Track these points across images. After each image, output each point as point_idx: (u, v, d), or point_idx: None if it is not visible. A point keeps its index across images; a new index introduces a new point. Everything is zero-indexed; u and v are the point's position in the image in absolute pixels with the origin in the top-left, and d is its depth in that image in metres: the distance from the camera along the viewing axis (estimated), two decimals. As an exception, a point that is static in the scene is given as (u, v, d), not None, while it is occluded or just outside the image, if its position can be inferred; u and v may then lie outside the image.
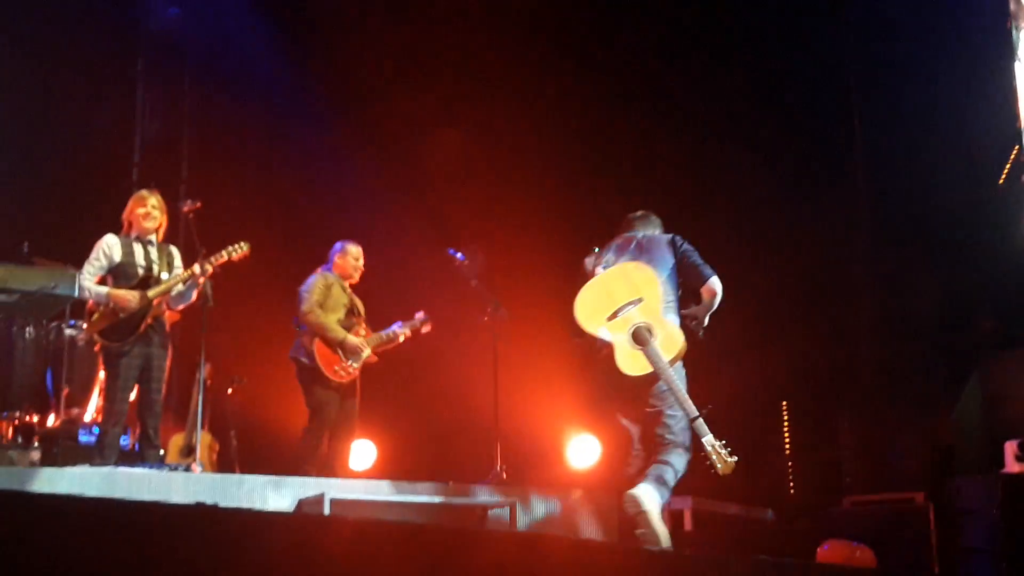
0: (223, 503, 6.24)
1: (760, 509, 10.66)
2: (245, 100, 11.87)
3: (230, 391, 10.59)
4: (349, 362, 8.04)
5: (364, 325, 8.35)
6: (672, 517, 9.40)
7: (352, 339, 8.07)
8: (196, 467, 7.15)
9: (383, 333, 8.39)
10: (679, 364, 5.87)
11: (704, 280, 6.09)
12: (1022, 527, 7.49)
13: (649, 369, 5.64)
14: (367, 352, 8.15)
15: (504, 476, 8.67)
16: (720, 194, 12.57)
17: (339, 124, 11.94)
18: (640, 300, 5.78)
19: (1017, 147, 16.99)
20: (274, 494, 6.76)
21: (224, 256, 7.62)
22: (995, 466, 8.91)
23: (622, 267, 5.98)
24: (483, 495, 7.47)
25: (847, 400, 12.97)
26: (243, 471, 9.12)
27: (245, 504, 6.46)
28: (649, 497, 5.55)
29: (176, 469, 6.94)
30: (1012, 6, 12.35)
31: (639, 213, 6.64)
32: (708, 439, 5.51)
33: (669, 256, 6.15)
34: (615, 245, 6.34)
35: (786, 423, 17.66)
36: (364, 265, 8.48)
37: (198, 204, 7.85)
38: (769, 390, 13.27)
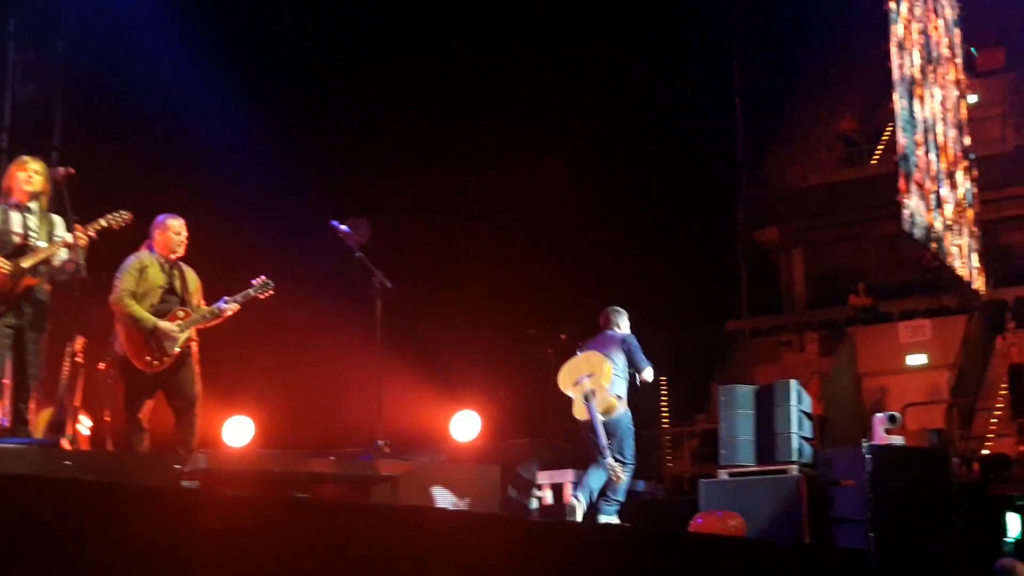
0: (95, 479, 6.07)
1: (642, 482, 10.82)
2: (120, 63, 11.50)
3: (102, 366, 10.26)
4: (164, 347, 7.77)
5: (195, 302, 8.06)
6: (554, 490, 9.50)
7: (162, 326, 7.71)
8: (66, 443, 6.92)
9: (206, 311, 8.10)
10: (626, 414, 8.45)
11: (640, 370, 8.61)
12: (889, 496, 7.77)
13: (587, 417, 8.26)
14: (183, 336, 7.85)
15: (387, 450, 8.62)
16: (584, 184, 12.67)
17: (218, 86, 11.66)
18: (592, 375, 8.40)
19: (890, 126, 17.55)
20: (149, 469, 6.60)
21: (102, 224, 7.33)
22: (865, 438, 9.21)
23: (588, 353, 8.65)
24: (365, 469, 7.42)
25: (719, 374, 13.35)
26: (116, 448, 8.86)
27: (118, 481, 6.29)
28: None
29: (46, 445, 6.71)
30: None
31: (612, 309, 8.96)
32: (610, 462, 8.10)
33: (618, 350, 8.63)
34: (593, 340, 8.85)
35: (664, 397, 18.01)
36: (223, 236, 8.18)
37: (71, 170, 7.54)
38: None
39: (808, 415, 9.18)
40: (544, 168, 12.00)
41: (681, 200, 16.18)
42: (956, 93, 18.82)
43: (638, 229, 13.61)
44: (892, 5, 15.65)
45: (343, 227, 8.97)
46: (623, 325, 8.95)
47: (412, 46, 12.25)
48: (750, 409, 9.16)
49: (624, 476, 8.14)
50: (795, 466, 8.55)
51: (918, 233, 15.88)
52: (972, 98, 20.01)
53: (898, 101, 15.60)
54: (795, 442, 8.69)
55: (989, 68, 23.21)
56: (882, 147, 21.58)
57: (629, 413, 8.53)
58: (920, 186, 16.10)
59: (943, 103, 17.93)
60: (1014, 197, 20.73)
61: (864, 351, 19.44)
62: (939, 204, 17.18)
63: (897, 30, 15.91)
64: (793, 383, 9.13)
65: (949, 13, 18.84)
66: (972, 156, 19.19)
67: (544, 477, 9.63)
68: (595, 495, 8.15)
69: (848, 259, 22.33)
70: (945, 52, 18.42)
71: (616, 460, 8.14)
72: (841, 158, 23.48)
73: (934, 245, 16.65)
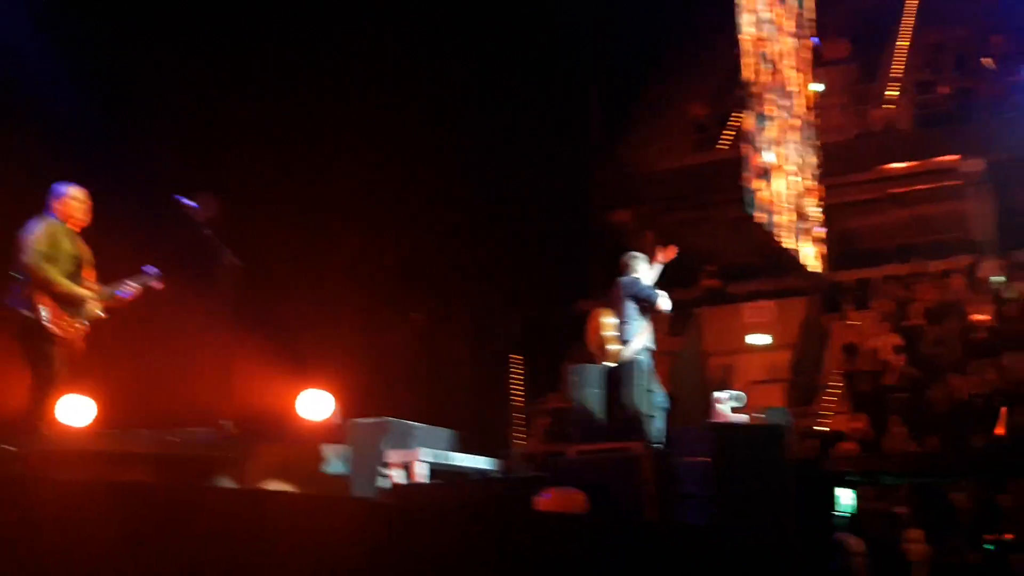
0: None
1: (493, 461, 10.88)
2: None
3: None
4: (79, 318, 7.55)
5: (93, 277, 7.86)
6: (404, 469, 9.47)
7: (80, 293, 7.56)
8: None
9: (112, 289, 7.91)
10: (633, 359, 8.90)
11: (652, 304, 9.02)
12: (730, 473, 8.00)
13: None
14: (99, 308, 7.67)
15: (232, 430, 8.44)
16: (439, 161, 12.68)
17: (57, 56, 11.21)
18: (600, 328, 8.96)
19: (738, 115, 18.01)
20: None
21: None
22: (709, 416, 9.46)
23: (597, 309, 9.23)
24: (209, 449, 7.27)
25: (572, 353, 13.46)
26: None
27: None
28: None
29: None
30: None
31: (628, 255, 9.60)
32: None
33: (623, 295, 9.03)
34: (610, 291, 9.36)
35: (517, 376, 18.17)
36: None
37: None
38: (503, 344, 13.59)
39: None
40: (397, 147, 11.93)
41: (535, 182, 16.30)
42: (800, 81, 19.42)
43: (492, 210, 13.66)
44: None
45: (190, 202, 8.73)
46: (636, 270, 9.19)
47: (258, 19, 11.99)
48: (600, 388, 9.30)
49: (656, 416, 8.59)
50: (642, 444, 8.73)
51: (762, 217, 16.37)
52: (817, 86, 20.69)
53: (744, 90, 16.03)
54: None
55: (833, 57, 24.02)
56: (731, 132, 22.13)
57: (640, 357, 8.87)
58: (764, 171, 16.59)
59: (787, 91, 18.49)
60: (855, 183, 21.54)
61: (710, 331, 19.99)
62: (782, 189, 17.74)
63: (745, 17, 16.32)
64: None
65: (794, 2, 19.41)
66: (816, 143, 19.87)
67: (395, 456, 9.59)
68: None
69: (698, 241, 22.86)
70: (791, 41, 18.99)
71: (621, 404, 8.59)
72: (692, 142, 24.00)
73: (775, 229, 17.19)
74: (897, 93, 23.43)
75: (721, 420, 9.29)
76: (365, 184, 14.13)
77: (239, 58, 11.92)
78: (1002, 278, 17.77)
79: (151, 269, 8.07)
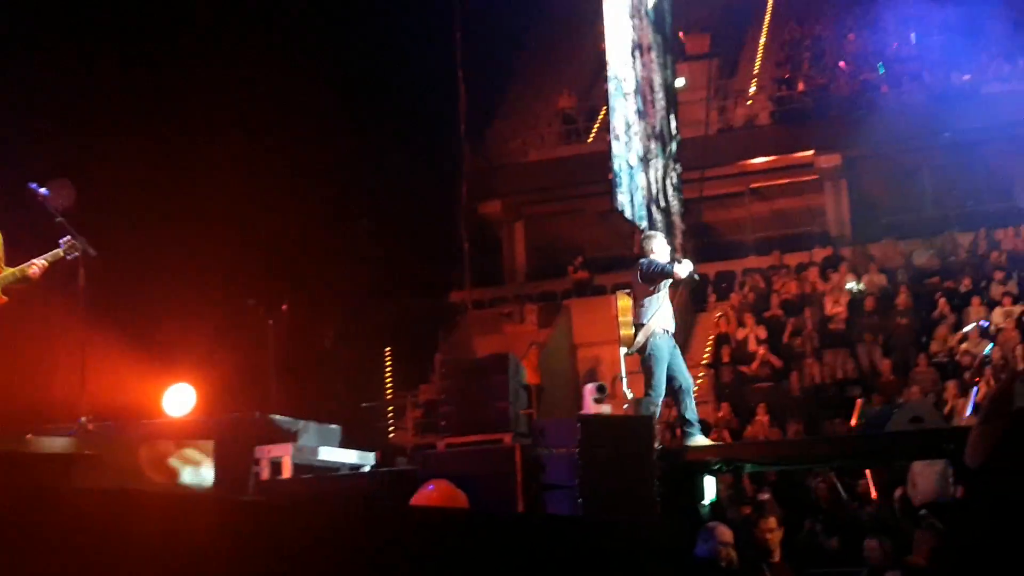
0: None
1: (364, 454, 10.80)
2: None
3: None
4: None
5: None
6: (272, 465, 9.32)
7: None
8: None
9: (13, 272, 7.54)
10: (648, 341, 8.87)
11: (669, 275, 8.74)
12: (597, 464, 8.11)
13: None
14: None
15: (90, 427, 8.17)
16: (307, 149, 12.51)
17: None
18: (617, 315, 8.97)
19: (605, 108, 18.22)
20: None
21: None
22: (577, 407, 9.56)
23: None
24: (66, 448, 7.01)
25: (443, 345, 13.48)
26: None
27: None
28: None
29: None
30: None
31: (643, 236, 9.57)
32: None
33: (636, 277, 8.94)
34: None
35: (388, 367, 18.07)
36: None
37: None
38: (373, 336, 13.49)
39: (524, 386, 9.43)
40: (263, 135, 11.71)
41: (405, 172, 16.21)
42: (665, 76, 19.74)
43: (362, 200, 13.54)
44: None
45: (42, 190, 8.41)
46: (651, 249, 8.99)
47: (119, 8, 11.65)
48: (469, 380, 9.31)
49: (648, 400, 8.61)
50: (510, 436, 8.77)
51: (628, 210, 16.60)
52: (679, 81, 21.07)
53: (610, 83, 16.22)
54: (511, 413, 8.90)
55: (695, 53, 24.54)
56: (598, 125, 22.41)
57: (655, 338, 8.80)
58: (629, 165, 16.83)
59: (651, 85, 18.78)
60: (716, 177, 22.06)
61: (579, 322, 20.22)
62: (647, 181, 18.02)
63: (610, 13, 16.51)
64: (511, 355, 9.36)
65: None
66: (678, 137, 20.24)
67: (262, 451, 9.43)
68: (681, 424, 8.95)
69: (567, 233, 23.12)
70: (654, 36, 19.29)
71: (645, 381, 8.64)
72: (560, 134, 24.24)
73: (641, 221, 17.47)
74: (756, 89, 24.08)
75: (588, 411, 9.40)
76: (229, 172, 13.84)
77: (95, 43, 11.54)
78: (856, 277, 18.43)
79: (67, 241, 7.70)
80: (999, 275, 17.17)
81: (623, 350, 8.92)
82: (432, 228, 19.88)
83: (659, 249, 9.11)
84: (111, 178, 10.82)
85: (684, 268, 8.79)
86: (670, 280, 8.97)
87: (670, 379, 8.99)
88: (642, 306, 8.89)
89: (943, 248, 19.16)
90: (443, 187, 20.80)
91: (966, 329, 15.71)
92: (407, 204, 14.84)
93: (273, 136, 12.07)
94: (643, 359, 8.92)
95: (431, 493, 7.93)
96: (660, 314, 8.94)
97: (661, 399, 8.98)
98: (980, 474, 1.13)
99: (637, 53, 18.01)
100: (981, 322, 15.43)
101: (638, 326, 8.86)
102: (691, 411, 9.00)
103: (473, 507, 7.99)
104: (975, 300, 16.54)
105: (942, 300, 16.78)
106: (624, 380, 9.00)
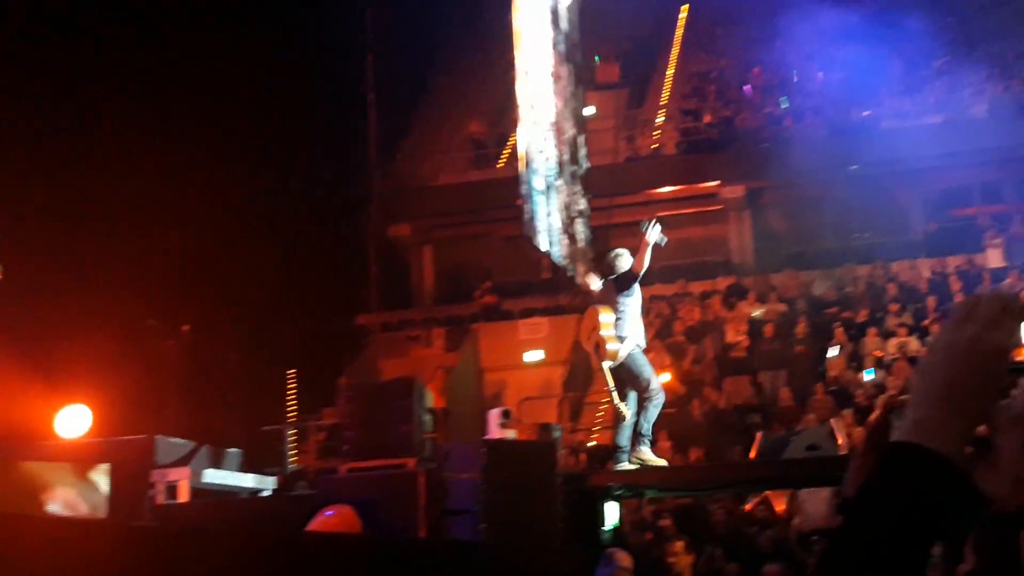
0: None
1: (263, 479, 10.64)
2: None
3: None
4: None
5: None
6: (168, 489, 9.13)
7: None
8: None
9: None
10: (633, 352, 9.01)
11: (643, 264, 9.00)
12: (501, 489, 8.11)
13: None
14: None
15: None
16: (212, 168, 12.36)
17: None
18: (595, 328, 9.06)
19: (515, 135, 18.37)
20: None
21: None
22: (483, 432, 9.55)
23: (588, 309, 9.37)
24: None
25: (348, 368, 13.35)
26: None
27: None
28: None
29: None
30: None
31: (611, 254, 9.42)
32: (617, 404, 8.86)
33: (611, 291, 9.12)
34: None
35: (292, 390, 17.83)
36: None
37: None
38: (277, 358, 13.31)
39: (429, 410, 9.39)
40: (163, 155, 11.53)
41: (314, 193, 16.09)
42: (574, 104, 19.97)
43: (268, 220, 13.39)
44: (516, 16, 16.39)
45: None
46: (621, 267, 9.19)
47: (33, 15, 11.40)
48: (374, 403, 9.25)
49: (649, 403, 8.77)
50: (414, 460, 8.72)
51: (536, 236, 16.72)
52: (589, 110, 21.32)
53: (520, 110, 16.35)
54: (416, 437, 8.86)
55: (605, 82, 24.88)
56: (508, 151, 22.54)
57: (639, 350, 9.01)
58: (538, 191, 16.96)
59: (562, 114, 18.97)
60: (624, 205, 22.33)
61: (487, 347, 20.23)
62: (556, 208, 18.17)
63: (521, 41, 16.66)
64: (416, 379, 9.32)
65: (568, 27, 19.96)
66: (587, 165, 20.46)
67: (159, 476, 9.23)
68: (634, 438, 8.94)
69: (475, 257, 23.16)
70: (565, 65, 19.50)
71: (639, 395, 8.78)
72: (471, 159, 24.32)
73: (549, 248, 17.60)
74: (663, 120, 24.48)
75: (492, 436, 9.40)
76: (131, 190, 13.59)
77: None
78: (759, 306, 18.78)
79: None
80: (895, 307, 17.64)
81: (607, 364, 8.97)
82: (340, 250, 19.75)
83: (622, 264, 9.29)
84: (7, 195, 10.55)
85: (654, 234, 8.98)
86: (639, 291, 9.15)
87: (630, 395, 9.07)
88: (621, 321, 9.01)
89: (841, 279, 19.63)
90: (352, 209, 20.69)
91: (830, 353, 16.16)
92: (315, 225, 14.71)
93: (177, 154, 11.88)
94: (624, 372, 8.97)
95: (329, 519, 7.85)
96: (636, 329, 9.09)
97: (662, 396, 9.09)
98: (853, 505, 1.15)
99: (548, 81, 18.18)
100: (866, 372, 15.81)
101: (620, 340, 8.97)
102: (648, 424, 9.06)
103: (374, 532, 7.92)
104: (871, 331, 16.95)
105: (839, 330, 17.18)
106: (615, 395, 9.01)
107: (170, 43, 12.07)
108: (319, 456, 16.77)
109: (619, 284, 9.14)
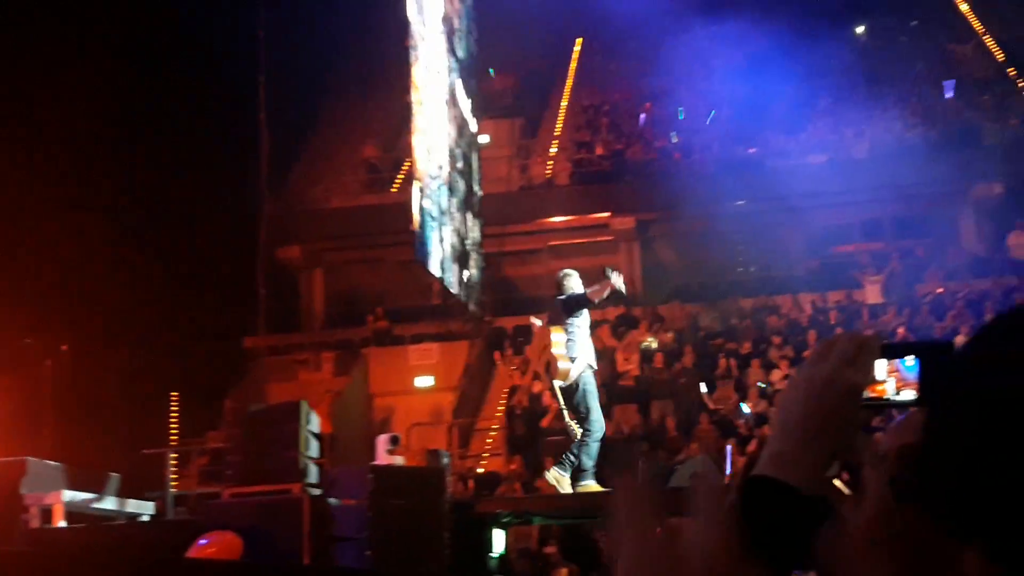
0: None
1: (142, 503, 10.36)
2: None
3: None
4: None
5: None
6: (42, 513, 8.83)
7: None
8: None
9: None
10: (583, 374, 9.02)
11: (591, 302, 9.11)
12: (388, 515, 8.04)
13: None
14: None
15: None
16: (96, 186, 12.08)
17: None
18: (545, 346, 9.13)
19: (409, 160, 18.37)
20: None
21: None
22: (371, 458, 9.46)
23: (539, 328, 9.71)
24: None
25: (233, 391, 13.11)
26: None
27: None
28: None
29: None
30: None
31: (560, 274, 9.48)
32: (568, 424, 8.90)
33: (561, 312, 9.13)
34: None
35: (174, 413, 17.42)
36: None
37: None
38: (160, 380, 13.00)
39: (316, 435, 9.27)
40: (44, 170, 11.21)
41: (202, 213, 15.80)
42: (468, 132, 20.06)
43: (155, 240, 13.10)
44: (410, 41, 16.41)
45: None
46: (570, 287, 9.20)
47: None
48: (259, 427, 9.10)
49: (588, 437, 8.68)
50: (299, 486, 8.60)
51: (428, 261, 16.70)
52: (484, 138, 21.45)
53: (415, 136, 16.36)
54: (301, 462, 8.74)
55: (500, 110, 25.06)
56: (403, 176, 22.51)
57: (588, 372, 8.96)
58: (432, 217, 16.96)
59: (456, 141, 19.04)
60: (516, 234, 22.49)
61: (376, 372, 20.10)
62: (449, 234, 18.19)
63: (417, 67, 16.69)
64: (303, 403, 9.20)
65: (464, 55, 20.07)
66: (480, 192, 20.55)
67: (33, 499, 8.92)
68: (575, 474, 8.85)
69: (367, 282, 23.02)
70: (460, 93, 19.59)
71: (579, 419, 8.72)
72: (364, 183, 24.20)
73: (441, 274, 17.59)
74: (557, 150, 24.76)
75: (380, 462, 9.32)
76: (9, 203, 13.18)
77: None
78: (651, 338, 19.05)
79: None
80: (777, 339, 18.08)
81: (557, 383, 8.93)
82: (228, 271, 19.43)
83: (577, 287, 9.27)
84: None
85: (616, 279, 8.94)
86: (588, 313, 9.15)
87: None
88: (572, 341, 8.98)
89: (727, 311, 20.04)
90: (241, 230, 20.39)
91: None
92: (203, 245, 14.44)
93: (59, 169, 11.55)
94: (575, 394, 8.94)
95: (209, 545, 7.68)
96: (587, 350, 9.08)
97: (602, 430, 9.04)
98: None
99: (443, 107, 18.23)
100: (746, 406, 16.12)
101: (571, 360, 8.93)
102: (592, 454, 9.05)
103: (257, 559, 7.77)
104: (755, 362, 17.32)
105: (724, 361, 17.51)
106: (566, 413, 8.98)
107: (53, 51, 11.76)
108: (201, 481, 16.41)
109: (567, 306, 9.13)
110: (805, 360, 1.29)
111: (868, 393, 1.28)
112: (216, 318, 16.04)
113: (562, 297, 9.24)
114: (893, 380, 1.31)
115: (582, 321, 9.21)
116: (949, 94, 24.22)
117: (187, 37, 12.66)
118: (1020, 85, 24.38)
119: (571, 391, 8.96)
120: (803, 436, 1.22)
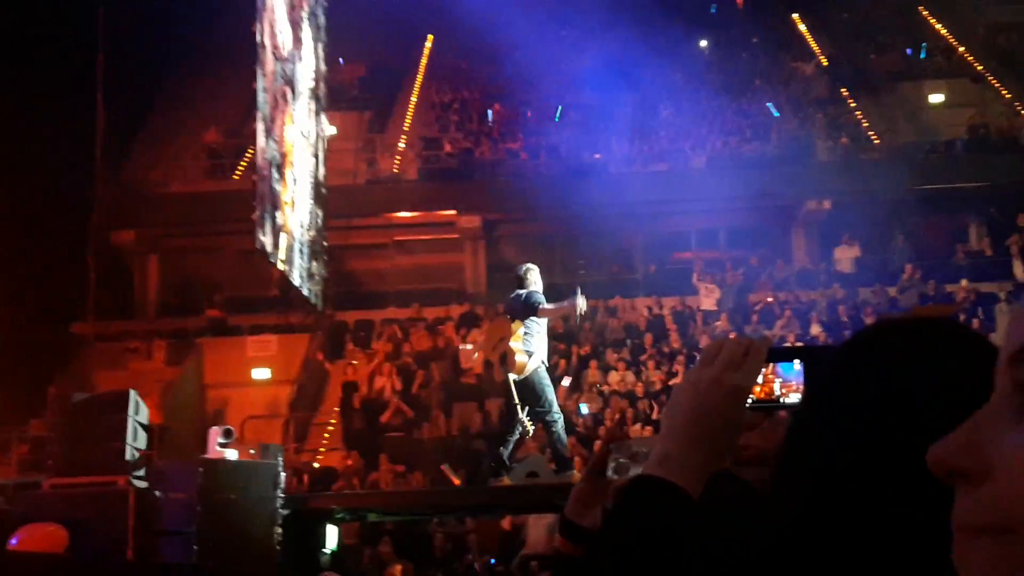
0: None
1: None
2: None
3: None
4: None
5: None
6: None
7: None
8: None
9: None
10: (539, 369, 8.86)
11: (554, 314, 9.28)
12: (217, 510, 7.86)
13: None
14: None
15: None
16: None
17: None
18: (503, 338, 8.99)
19: (252, 148, 18.00)
20: None
21: None
22: (203, 450, 9.22)
23: (497, 319, 9.49)
24: None
25: (59, 377, 12.61)
26: None
27: None
28: None
29: None
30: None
31: (522, 268, 9.15)
32: (521, 418, 8.69)
33: (521, 308, 8.93)
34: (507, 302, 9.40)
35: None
36: None
37: None
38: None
39: (145, 426, 8.99)
40: None
41: (31, 192, 15.13)
42: (315, 123, 19.80)
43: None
44: (258, 27, 16.09)
45: None
46: (532, 281, 8.94)
47: None
48: (84, 416, 8.78)
49: (555, 427, 8.64)
50: (125, 478, 8.33)
51: (270, 251, 16.41)
52: (330, 129, 21.19)
53: (260, 123, 16.05)
54: (128, 453, 8.46)
55: (347, 102, 24.80)
56: (245, 163, 22.05)
57: (543, 367, 8.82)
58: (275, 206, 16.67)
59: (303, 131, 18.77)
60: (361, 227, 22.30)
61: (211, 362, 19.62)
62: (292, 225, 17.91)
63: (264, 54, 16.38)
64: (132, 392, 8.91)
65: (312, 46, 19.80)
66: (325, 184, 20.30)
67: None
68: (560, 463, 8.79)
69: (205, 270, 22.45)
70: (308, 84, 19.32)
71: (539, 413, 8.61)
72: (205, 169, 23.60)
73: (283, 265, 17.31)
74: (405, 146, 24.67)
75: (212, 455, 9.10)
76: None
77: None
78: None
79: None
80: (615, 342, 18.44)
81: (512, 376, 8.72)
82: (58, 253, 18.68)
83: (537, 281, 9.08)
84: None
85: (582, 302, 8.86)
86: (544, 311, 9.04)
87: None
88: (529, 336, 8.78)
89: (568, 314, 20.30)
90: (74, 211, 19.61)
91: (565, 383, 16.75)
92: (31, 225, 13.83)
93: None
94: (532, 389, 8.73)
95: (26, 538, 7.37)
96: (542, 346, 8.93)
97: (560, 417, 8.89)
98: (596, 536, 1.20)
99: (288, 96, 17.94)
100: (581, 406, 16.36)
101: (528, 354, 8.74)
102: (564, 447, 8.97)
103: (79, 553, 7.49)
104: (593, 363, 17.62)
105: (562, 362, 17.76)
106: (519, 409, 8.73)
107: None
108: (21, 470, 15.72)
109: (526, 304, 8.92)
110: (693, 365, 1.32)
111: (755, 396, 1.31)
112: (43, 300, 15.39)
113: (522, 293, 9.05)
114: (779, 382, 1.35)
115: (541, 318, 9.15)
116: (784, 111, 25.17)
117: (21, 8, 12.10)
118: (851, 105, 25.51)
119: (526, 385, 8.84)
120: (689, 437, 1.24)
